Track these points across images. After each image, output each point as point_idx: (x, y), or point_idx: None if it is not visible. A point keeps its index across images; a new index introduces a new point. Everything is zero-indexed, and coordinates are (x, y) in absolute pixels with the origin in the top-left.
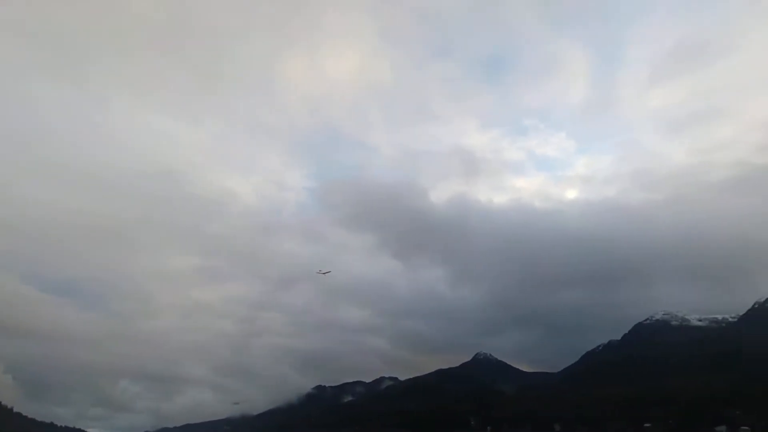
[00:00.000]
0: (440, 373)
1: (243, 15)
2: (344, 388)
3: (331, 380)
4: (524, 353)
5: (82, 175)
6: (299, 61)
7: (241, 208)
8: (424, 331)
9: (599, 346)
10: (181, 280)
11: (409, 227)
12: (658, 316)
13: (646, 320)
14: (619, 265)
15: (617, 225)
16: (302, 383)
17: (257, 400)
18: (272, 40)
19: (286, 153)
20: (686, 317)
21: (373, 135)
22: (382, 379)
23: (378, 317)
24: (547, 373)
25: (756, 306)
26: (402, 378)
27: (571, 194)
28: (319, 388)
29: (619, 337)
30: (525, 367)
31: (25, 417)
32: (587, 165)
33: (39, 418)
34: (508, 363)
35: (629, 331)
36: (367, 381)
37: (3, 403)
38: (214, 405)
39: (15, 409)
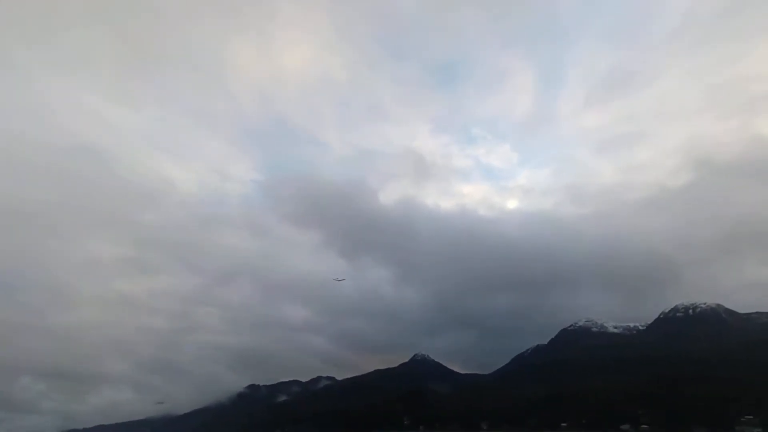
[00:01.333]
0: (378, 373)
1: None
2: (279, 387)
3: (266, 379)
4: (459, 354)
5: None
6: (249, 48)
7: (180, 198)
8: (366, 331)
9: (528, 349)
10: (105, 271)
11: (356, 226)
12: (581, 323)
13: (570, 326)
14: (551, 273)
15: (551, 236)
16: (235, 382)
17: (183, 400)
18: (221, 23)
19: (231, 143)
20: (604, 324)
21: (324, 131)
22: (319, 378)
23: (320, 316)
24: (479, 374)
25: (661, 316)
26: (339, 378)
27: (512, 204)
28: (253, 387)
29: (546, 342)
30: (459, 368)
31: None
32: (528, 177)
33: None
34: (444, 364)
35: (555, 336)
36: (303, 380)
37: None
38: (134, 404)
39: None
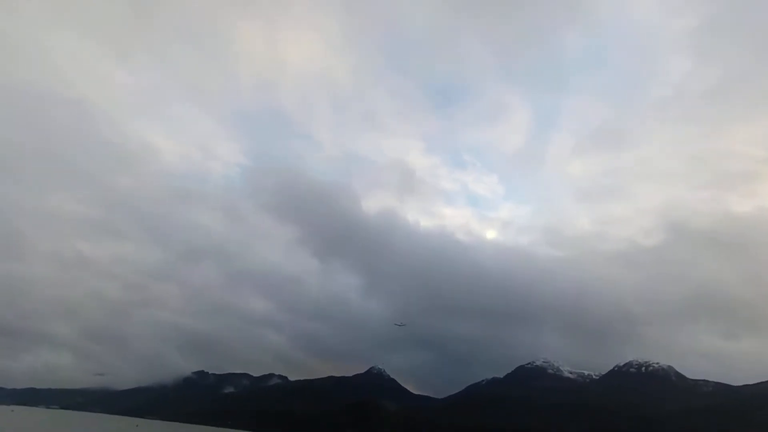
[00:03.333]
0: (332, 380)
1: None
2: (228, 378)
3: (215, 367)
4: (415, 374)
5: None
6: (256, 35)
7: (159, 167)
8: (326, 335)
9: (483, 380)
10: (66, 227)
11: (333, 229)
12: (538, 362)
13: (528, 364)
14: (517, 308)
15: (523, 272)
16: (182, 365)
17: (125, 375)
18: (233, 5)
19: (221, 122)
20: (560, 367)
21: (317, 129)
22: (270, 375)
23: (281, 312)
24: (432, 397)
25: (615, 368)
26: (291, 378)
27: (491, 234)
28: (200, 374)
29: (502, 375)
30: (412, 388)
31: None
32: (510, 210)
33: None
34: (398, 381)
35: (512, 371)
36: (254, 375)
37: None
38: (72, 371)
39: None
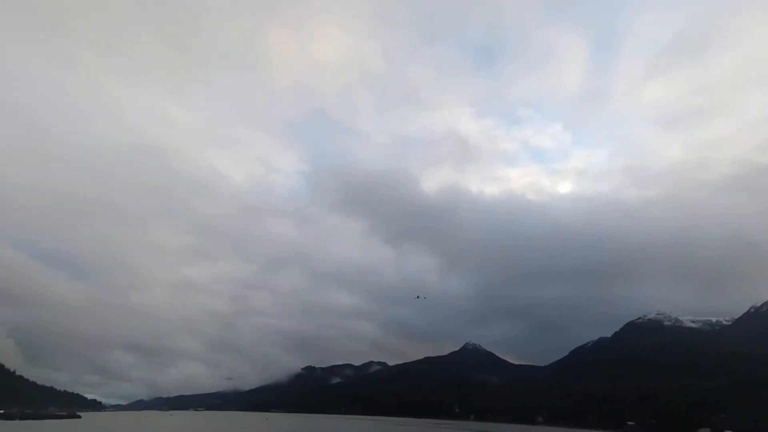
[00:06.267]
0: (428, 361)
1: None
2: (333, 369)
3: (320, 362)
4: (511, 345)
5: (73, 148)
6: (287, 44)
7: (231, 189)
8: (413, 318)
9: (588, 342)
10: (171, 257)
11: (399, 214)
12: (650, 316)
13: (638, 319)
14: (611, 261)
15: (610, 221)
16: (292, 363)
17: (248, 377)
18: (259, 21)
19: (274, 136)
20: (679, 318)
21: (362, 121)
22: (370, 363)
23: (367, 303)
24: (534, 366)
25: (752, 310)
26: (390, 363)
27: (565, 187)
28: (309, 369)
29: (609, 335)
30: (511, 359)
31: (27, 380)
32: (582, 158)
33: (39, 382)
34: (497, 354)
35: (621, 329)
36: (355, 364)
37: (6, 366)
38: (206, 379)
39: (17, 373)
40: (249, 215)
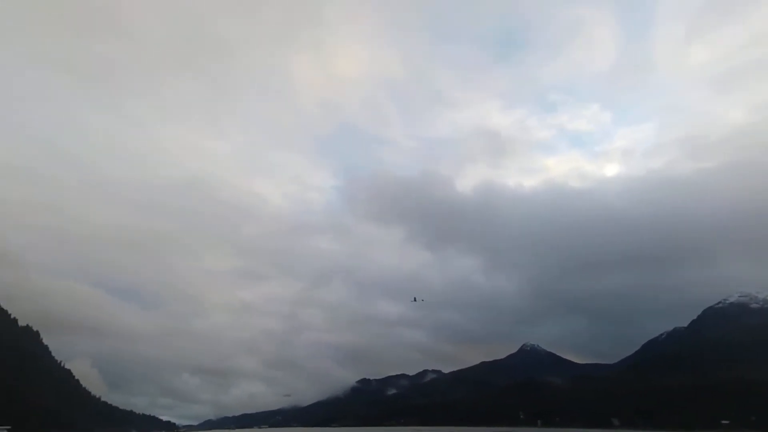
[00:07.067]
0: (485, 366)
1: (245, 22)
2: (388, 381)
3: (375, 373)
4: (572, 343)
5: (128, 187)
6: (307, 63)
7: (271, 211)
8: (462, 322)
9: (662, 334)
10: (225, 281)
11: (436, 217)
12: (732, 299)
13: (718, 303)
14: (673, 244)
15: (666, 200)
16: (346, 376)
17: (306, 393)
18: (282, 49)
19: (307, 154)
20: None
21: (389, 129)
22: (425, 372)
23: (414, 310)
24: (602, 364)
25: None
26: (446, 371)
27: (611, 170)
28: (364, 382)
29: (685, 324)
30: (575, 358)
31: (110, 405)
32: (626, 137)
33: (121, 407)
34: (558, 354)
35: (698, 317)
36: (410, 374)
37: (93, 393)
38: (267, 397)
39: (102, 399)
40: (291, 234)
